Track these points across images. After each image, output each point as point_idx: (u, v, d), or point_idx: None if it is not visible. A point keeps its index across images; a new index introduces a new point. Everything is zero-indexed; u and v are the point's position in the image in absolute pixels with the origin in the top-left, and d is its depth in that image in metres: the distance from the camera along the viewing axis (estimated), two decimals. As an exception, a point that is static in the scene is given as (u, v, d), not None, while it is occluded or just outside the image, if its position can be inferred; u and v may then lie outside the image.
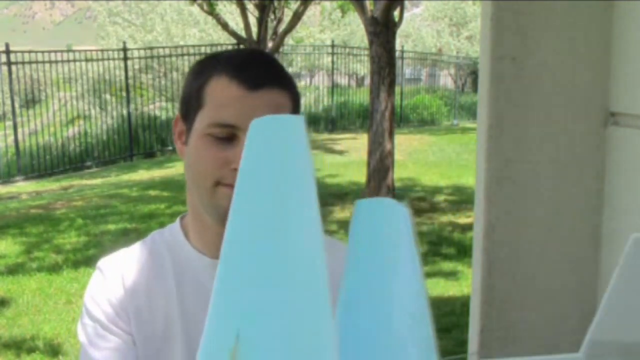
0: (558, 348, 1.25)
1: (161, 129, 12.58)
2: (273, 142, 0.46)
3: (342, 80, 18.46)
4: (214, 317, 0.44)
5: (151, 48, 13.83)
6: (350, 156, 11.12)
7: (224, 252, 0.45)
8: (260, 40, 10.93)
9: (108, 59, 12.10)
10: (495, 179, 1.22)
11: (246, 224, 0.45)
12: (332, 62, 15.93)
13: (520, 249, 1.24)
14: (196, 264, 1.03)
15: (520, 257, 1.24)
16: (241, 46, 10.82)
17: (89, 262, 5.34)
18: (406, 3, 8.46)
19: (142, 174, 10.29)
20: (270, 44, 11.09)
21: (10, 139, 10.81)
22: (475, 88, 20.43)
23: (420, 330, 0.51)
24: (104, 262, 1.05)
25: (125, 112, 12.24)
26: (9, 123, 10.64)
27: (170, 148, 12.12)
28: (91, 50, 12.65)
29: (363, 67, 16.88)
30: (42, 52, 11.08)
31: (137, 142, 12.37)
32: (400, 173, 8.48)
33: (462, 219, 6.88)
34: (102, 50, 12.83)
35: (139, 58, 13.00)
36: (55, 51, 11.35)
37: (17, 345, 4.09)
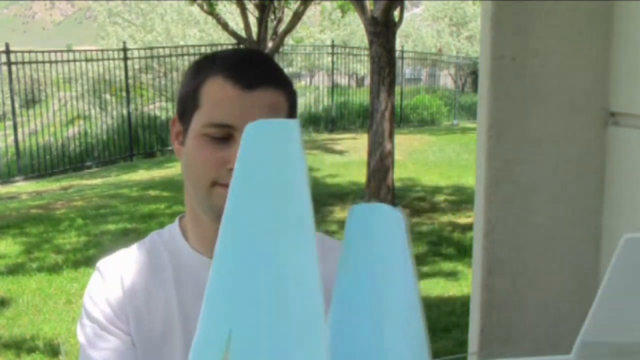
0: (558, 348, 1.25)
1: (161, 129, 12.58)
2: (267, 146, 0.46)
3: (342, 80, 18.46)
4: (207, 317, 0.44)
5: (151, 48, 13.83)
6: (350, 156, 11.12)
7: (216, 254, 0.46)
8: (260, 40, 10.93)
9: (108, 59, 12.10)
10: (495, 179, 1.22)
11: (239, 227, 0.45)
12: (332, 62, 15.93)
13: (520, 249, 1.24)
14: (195, 264, 1.03)
15: (520, 257, 1.24)
16: (241, 46, 10.82)
17: (89, 262, 5.34)
18: (406, 3, 8.46)
19: (142, 174, 10.29)
20: (270, 44, 11.09)
21: (10, 139, 10.81)
22: (475, 88, 20.43)
23: (413, 336, 0.51)
24: (103, 263, 1.05)
25: (125, 112, 12.24)
26: (9, 123, 10.64)
27: (170, 148, 12.11)
28: (91, 50, 12.65)
29: (363, 67, 16.88)
30: (42, 52, 11.08)
31: (137, 142, 12.37)
32: (400, 173, 8.48)
33: (462, 219, 6.88)
34: (102, 50, 12.83)
35: (139, 58, 13.00)
36: (55, 51, 11.35)
37: (17, 345, 4.09)
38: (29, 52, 10.89)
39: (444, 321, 4.35)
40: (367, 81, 14.64)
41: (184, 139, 1.00)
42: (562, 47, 1.20)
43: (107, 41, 19.82)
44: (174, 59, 13.13)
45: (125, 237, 6.08)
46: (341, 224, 6.49)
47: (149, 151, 12.54)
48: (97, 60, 11.96)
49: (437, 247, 6.03)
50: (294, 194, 0.45)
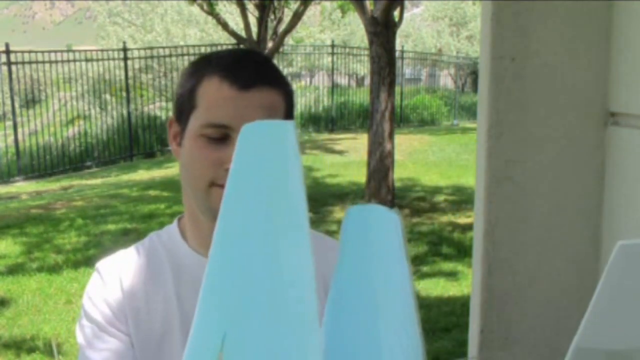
0: (558, 348, 1.25)
1: (161, 129, 12.58)
2: (263, 147, 0.46)
3: (342, 80, 18.46)
4: (201, 319, 0.44)
5: (151, 48, 13.82)
6: (350, 156, 11.12)
7: (211, 256, 0.45)
8: (260, 40, 10.93)
9: (108, 59, 12.10)
10: (495, 179, 1.22)
11: (234, 229, 0.45)
12: (332, 62, 15.93)
13: (520, 249, 1.24)
14: (194, 264, 1.03)
15: (520, 257, 1.24)
16: (241, 46, 10.82)
17: (89, 262, 5.34)
18: (406, 3, 8.46)
19: (142, 174, 10.29)
20: (270, 44, 11.09)
21: (10, 139, 10.81)
22: (475, 88, 20.43)
23: (409, 338, 0.51)
24: (102, 264, 1.05)
25: (125, 112, 12.24)
26: (9, 123, 10.63)
27: (170, 148, 12.09)
28: (91, 50, 12.65)
29: (363, 67, 16.88)
30: (42, 52, 11.08)
31: (137, 142, 12.37)
32: (400, 173, 8.47)
33: (462, 219, 6.88)
34: (102, 50, 12.83)
35: (139, 58, 13.00)
36: (55, 51, 11.34)
37: (17, 345, 4.09)
38: (29, 52, 10.89)
39: (444, 321, 4.35)
40: (367, 81, 14.64)
41: (182, 140, 1.00)
42: (562, 47, 1.20)
43: (107, 41, 19.83)
44: (174, 59, 13.12)
45: (125, 237, 6.08)
46: (341, 224, 6.48)
47: (149, 151, 12.54)
48: (97, 60, 11.95)
49: (437, 247, 6.03)
50: (289, 195, 0.45)
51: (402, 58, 16.86)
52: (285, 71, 15.73)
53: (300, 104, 14.94)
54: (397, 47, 10.75)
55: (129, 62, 12.20)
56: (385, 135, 7.15)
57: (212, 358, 0.42)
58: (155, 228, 1.13)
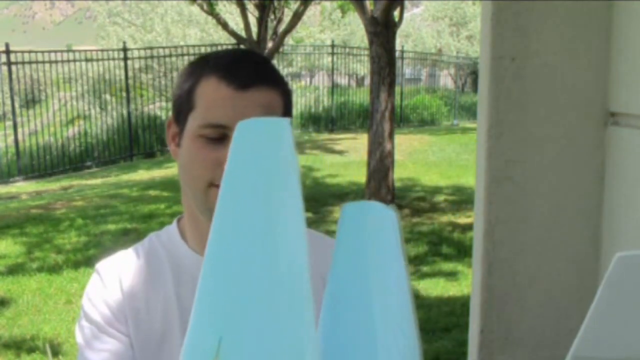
0: (558, 348, 1.25)
1: (161, 129, 12.58)
2: (258, 144, 0.46)
3: (342, 80, 18.46)
4: (197, 321, 0.44)
5: (151, 48, 13.83)
6: (350, 156, 11.12)
7: (207, 257, 0.45)
8: (260, 40, 10.93)
9: (108, 59, 12.10)
10: (495, 179, 1.22)
11: (229, 227, 0.45)
12: (332, 62, 15.93)
13: (520, 249, 1.24)
14: (193, 264, 1.03)
15: (520, 257, 1.24)
16: (241, 46, 10.82)
17: (89, 262, 5.34)
18: (406, 3, 8.46)
19: (142, 174, 10.29)
20: (270, 44, 11.09)
21: (10, 139, 10.81)
22: (475, 88, 20.43)
23: (404, 335, 0.51)
24: (102, 265, 1.05)
25: (125, 112, 12.24)
26: (9, 123, 10.63)
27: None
28: (91, 50, 12.65)
29: (363, 67, 16.88)
30: (42, 52, 11.08)
31: (137, 142, 12.37)
32: (400, 173, 8.47)
33: (462, 219, 6.88)
34: (102, 50, 12.83)
35: (139, 58, 13.00)
36: (55, 51, 11.35)
37: (17, 345, 4.09)
38: (29, 52, 10.89)
39: (444, 321, 4.35)
40: (367, 81, 14.64)
41: (180, 141, 1.00)
42: (562, 47, 1.20)
43: (107, 41, 19.83)
44: (174, 59, 13.13)
45: (125, 237, 6.08)
46: (341, 223, 6.47)
47: (149, 151, 12.54)
48: (97, 60, 11.96)
49: (437, 247, 6.03)
50: (285, 192, 0.45)
51: (402, 58, 16.86)
52: (285, 71, 15.76)
53: (300, 104, 14.94)
54: (397, 47, 10.76)
55: (129, 62, 12.20)
56: (385, 135, 7.15)
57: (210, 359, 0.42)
58: (155, 228, 1.13)
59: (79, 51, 12.33)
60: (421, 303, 4.65)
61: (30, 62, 10.70)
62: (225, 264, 0.45)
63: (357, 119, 15.68)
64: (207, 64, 0.99)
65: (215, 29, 17.58)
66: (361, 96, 15.84)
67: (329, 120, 15.39)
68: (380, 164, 7.17)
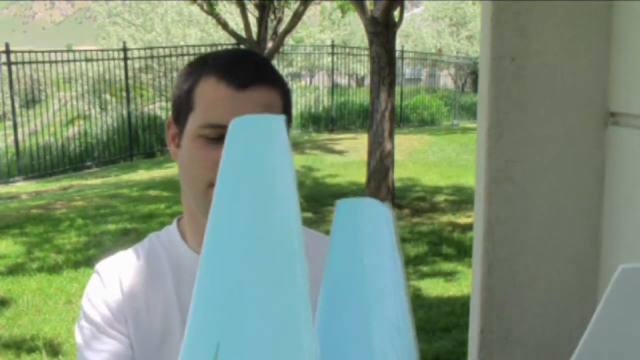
0: (558, 348, 1.25)
1: (161, 129, 12.58)
2: (253, 140, 0.46)
3: (342, 80, 18.46)
4: (194, 325, 0.44)
5: (151, 48, 13.83)
6: (350, 156, 11.12)
7: (202, 258, 0.45)
8: (260, 40, 10.93)
9: (108, 59, 12.10)
10: (495, 179, 1.22)
11: (224, 227, 0.45)
12: (332, 62, 15.93)
13: (520, 249, 1.24)
14: (193, 264, 1.03)
15: (520, 257, 1.24)
16: (241, 46, 10.82)
17: (89, 262, 5.34)
18: (406, 3, 8.46)
19: (142, 174, 10.29)
20: (270, 44, 11.09)
21: (10, 139, 10.81)
22: (475, 88, 20.43)
23: (401, 336, 0.50)
24: (102, 266, 1.05)
25: (125, 112, 12.24)
26: (9, 123, 10.63)
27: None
28: (91, 50, 12.65)
29: (363, 67, 16.88)
30: (42, 52, 11.08)
31: (137, 142, 12.37)
32: (400, 173, 8.47)
33: (462, 219, 6.88)
34: (102, 50, 12.83)
35: (139, 58, 13.00)
36: (55, 51, 11.35)
37: (17, 345, 4.09)
38: (29, 52, 10.89)
39: (444, 321, 4.35)
40: (367, 81, 14.64)
41: (180, 141, 1.00)
42: (562, 47, 1.20)
43: (107, 41, 19.83)
44: (174, 59, 13.13)
45: (125, 237, 6.08)
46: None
47: (149, 151, 12.54)
48: (97, 60, 11.96)
49: (437, 247, 6.03)
50: (280, 190, 0.45)
51: (402, 58, 16.85)
52: (285, 71, 15.76)
53: (300, 104, 14.95)
54: (397, 47, 10.76)
55: (129, 62, 12.20)
56: (385, 135, 7.15)
57: None
58: (155, 228, 1.13)
59: (79, 51, 12.33)
60: (421, 303, 4.65)
61: (30, 62, 10.70)
62: (220, 267, 0.44)
63: (357, 119, 15.68)
64: (206, 64, 0.99)
65: (215, 29, 17.58)
66: (361, 96, 15.84)
67: (329, 120, 15.39)
68: (380, 164, 7.17)
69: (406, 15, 9.58)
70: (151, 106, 13.45)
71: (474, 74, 21.23)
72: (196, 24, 19.20)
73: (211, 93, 0.96)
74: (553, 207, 1.24)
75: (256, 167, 0.45)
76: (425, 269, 5.49)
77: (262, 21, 11.00)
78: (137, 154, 12.31)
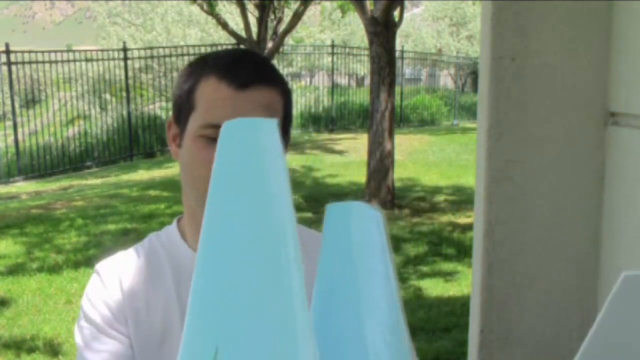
0: (558, 348, 1.26)
1: (161, 129, 12.58)
2: (244, 145, 0.45)
3: (342, 80, 18.46)
4: (191, 332, 0.43)
5: (151, 48, 13.83)
6: (350, 156, 11.12)
7: (198, 263, 0.45)
8: (260, 40, 10.93)
9: (108, 59, 12.10)
10: (495, 179, 1.22)
11: (218, 232, 0.45)
12: (332, 62, 15.93)
13: (520, 249, 1.24)
14: (193, 264, 1.03)
15: (520, 257, 1.24)
16: (241, 46, 10.82)
17: (89, 262, 5.34)
18: (406, 3, 8.46)
19: (142, 174, 10.29)
20: (270, 44, 11.09)
21: (10, 139, 10.81)
22: (475, 88, 20.43)
23: (394, 338, 0.50)
24: (102, 266, 1.05)
25: (125, 112, 12.24)
26: (9, 123, 10.63)
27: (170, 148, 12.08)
28: (91, 50, 12.65)
29: (363, 67, 16.88)
30: (42, 52, 11.08)
31: (137, 142, 12.37)
32: (400, 173, 8.47)
33: (462, 219, 6.88)
34: (102, 50, 12.83)
35: (139, 58, 13.00)
36: (55, 51, 11.34)
37: (17, 345, 4.09)
38: (29, 52, 10.89)
39: (444, 321, 4.35)
40: (367, 81, 14.64)
41: (181, 141, 1.00)
42: (562, 47, 1.20)
43: (107, 41, 19.83)
44: (174, 59, 13.13)
45: (125, 237, 6.08)
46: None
47: (149, 151, 12.54)
48: (97, 60, 11.96)
49: (437, 247, 6.03)
50: (273, 194, 0.45)
51: (402, 58, 16.85)
52: (285, 71, 15.76)
53: (300, 104, 14.94)
54: (397, 47, 10.76)
55: (129, 62, 12.20)
56: (385, 135, 7.15)
57: None
58: (155, 228, 1.13)
59: (79, 51, 12.32)
60: (421, 303, 4.65)
61: (30, 62, 10.70)
62: (215, 272, 0.44)
63: (357, 119, 15.68)
64: (206, 64, 0.99)
65: (215, 29, 17.58)
66: (361, 96, 15.84)
67: (329, 120, 15.39)
68: (380, 164, 7.17)
69: (406, 15, 9.58)
70: (151, 106, 13.45)
71: (474, 74, 21.23)
72: (196, 24, 19.20)
73: (212, 93, 0.96)
74: (553, 207, 1.24)
75: (248, 171, 0.45)
76: (425, 269, 5.49)
77: (262, 21, 11.00)
78: (137, 154, 12.31)
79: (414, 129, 15.59)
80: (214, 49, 12.60)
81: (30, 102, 12.48)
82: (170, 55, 13.13)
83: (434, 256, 5.80)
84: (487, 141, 1.20)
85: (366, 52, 13.39)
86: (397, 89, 13.03)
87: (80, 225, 6.74)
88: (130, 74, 12.17)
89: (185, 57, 12.83)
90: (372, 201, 7.22)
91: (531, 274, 1.24)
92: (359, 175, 8.20)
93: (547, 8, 1.18)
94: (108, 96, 12.61)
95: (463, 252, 5.74)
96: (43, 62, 10.89)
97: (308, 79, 19.76)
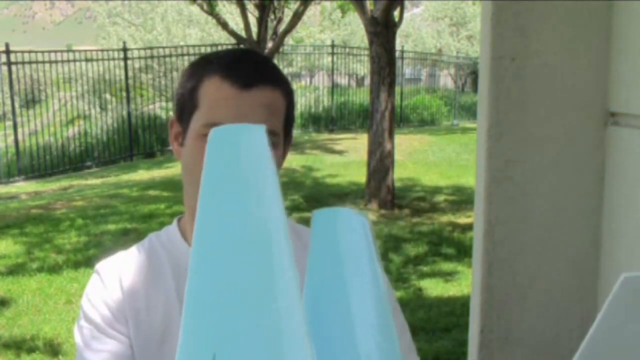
0: (558, 348, 1.26)
1: (161, 129, 12.58)
2: (231, 151, 0.45)
3: (342, 80, 18.46)
4: (188, 337, 0.43)
5: (151, 48, 13.83)
6: (350, 156, 11.12)
7: (191, 268, 0.44)
8: (260, 40, 10.93)
9: (108, 59, 12.10)
10: (495, 179, 1.22)
11: (211, 241, 0.44)
12: (332, 62, 15.93)
13: (520, 249, 1.24)
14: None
15: (520, 257, 1.24)
16: (241, 46, 10.82)
17: (89, 262, 5.34)
18: (406, 3, 8.46)
19: (142, 174, 10.29)
20: (270, 44, 11.09)
21: (10, 139, 10.81)
22: (475, 88, 20.43)
23: (384, 339, 0.50)
24: (102, 266, 1.05)
25: (125, 112, 12.23)
26: (9, 123, 10.63)
27: (170, 148, 12.04)
28: (91, 50, 12.65)
29: (363, 67, 16.88)
30: (42, 52, 11.08)
31: (137, 142, 12.37)
32: (400, 173, 8.47)
33: (462, 219, 6.88)
34: (102, 50, 12.83)
35: (139, 58, 13.00)
36: (55, 51, 11.34)
37: (17, 345, 4.09)
38: (29, 52, 10.89)
39: (444, 321, 4.34)
40: (367, 81, 14.64)
41: (184, 140, 1.00)
42: (562, 47, 1.20)
43: (107, 41, 19.83)
44: (174, 59, 13.13)
45: (125, 237, 6.08)
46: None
47: (149, 151, 12.54)
48: (97, 60, 11.95)
49: (437, 247, 6.03)
50: (264, 199, 0.45)
51: (402, 58, 16.85)
52: (285, 71, 15.72)
53: (300, 104, 14.94)
54: (397, 47, 10.76)
55: (129, 62, 12.20)
56: (385, 135, 7.15)
57: None
58: (155, 228, 1.13)
59: (79, 51, 12.32)
60: (421, 303, 4.65)
61: (30, 62, 10.70)
62: (209, 277, 0.44)
63: (357, 119, 15.68)
64: (210, 64, 0.99)
65: (215, 29, 17.58)
66: (361, 96, 15.83)
67: (329, 120, 15.39)
68: (380, 164, 7.17)
69: (406, 15, 9.58)
70: (151, 106, 13.45)
71: (474, 74, 21.23)
72: (196, 24, 19.20)
73: (215, 92, 0.96)
74: (553, 207, 1.24)
75: (237, 177, 0.45)
76: (425, 269, 5.49)
77: (262, 21, 11.00)
78: (137, 154, 12.31)
79: (414, 129, 15.59)
80: (214, 49, 12.60)
81: (30, 102, 12.48)
82: (170, 55, 13.13)
83: (434, 256, 5.80)
84: (487, 141, 1.21)
85: (366, 52, 13.39)
86: (397, 89, 13.03)
87: (80, 225, 6.74)
88: (130, 74, 12.17)
89: (186, 57, 12.83)
90: (372, 201, 7.22)
91: (531, 274, 1.25)
92: (359, 175, 8.20)
93: (547, 8, 1.18)
94: (108, 96, 12.61)
95: (463, 252, 5.74)
96: (43, 62, 10.89)
97: (308, 79, 19.76)
